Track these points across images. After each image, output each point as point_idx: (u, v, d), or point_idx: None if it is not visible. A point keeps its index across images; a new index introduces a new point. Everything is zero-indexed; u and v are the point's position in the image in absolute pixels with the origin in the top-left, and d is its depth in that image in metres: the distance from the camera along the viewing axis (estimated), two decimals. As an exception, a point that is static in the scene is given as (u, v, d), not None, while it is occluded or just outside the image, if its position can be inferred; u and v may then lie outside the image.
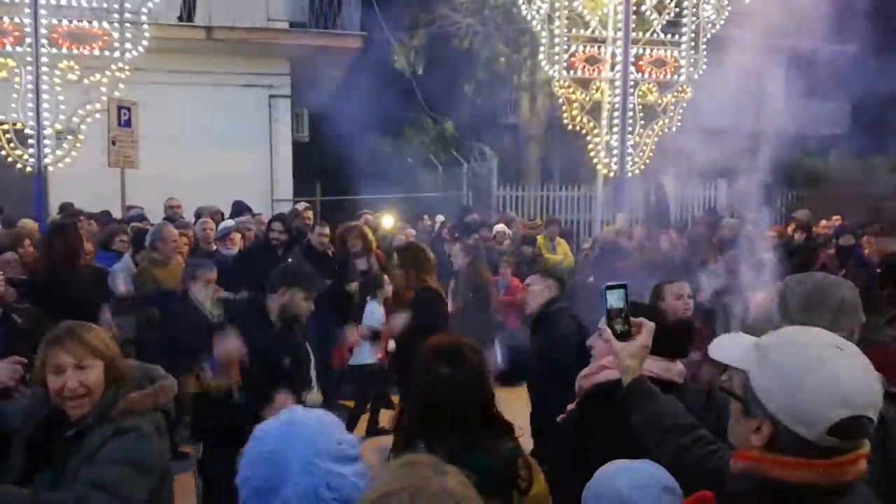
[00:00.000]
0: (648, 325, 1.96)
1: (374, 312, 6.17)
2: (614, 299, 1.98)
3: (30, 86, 9.42)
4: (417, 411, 2.07)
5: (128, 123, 9.64)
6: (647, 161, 11.78)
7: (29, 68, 9.41)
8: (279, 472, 1.37)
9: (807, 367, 1.30)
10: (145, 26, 10.01)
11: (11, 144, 9.54)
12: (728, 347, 1.50)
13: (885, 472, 1.73)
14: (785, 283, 2.04)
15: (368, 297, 6.28)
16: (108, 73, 9.76)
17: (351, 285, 6.75)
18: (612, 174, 11.56)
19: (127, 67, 9.83)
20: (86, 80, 9.72)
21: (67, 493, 1.93)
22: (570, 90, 11.37)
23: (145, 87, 10.58)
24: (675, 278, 4.12)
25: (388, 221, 8.85)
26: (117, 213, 9.41)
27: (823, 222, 9.34)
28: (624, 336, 1.95)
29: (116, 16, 9.85)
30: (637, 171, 11.90)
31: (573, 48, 11.32)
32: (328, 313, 5.89)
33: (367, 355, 6.19)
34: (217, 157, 12.04)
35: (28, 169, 9.57)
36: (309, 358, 3.70)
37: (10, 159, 9.56)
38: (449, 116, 18.86)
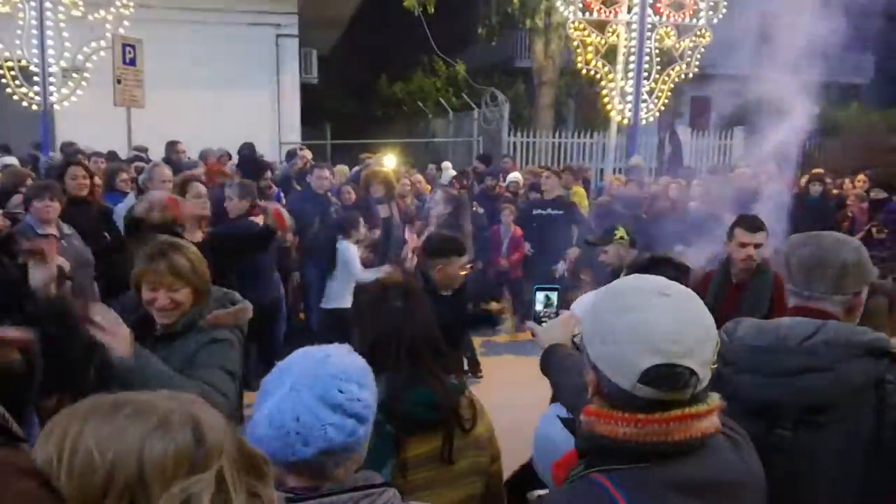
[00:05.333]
0: (568, 314, 2.04)
1: (347, 251, 5.53)
2: (543, 300, 2.05)
3: (34, 21, 9.26)
4: (367, 348, 1.98)
5: (133, 62, 9.49)
6: (663, 108, 11.52)
7: (33, 3, 9.24)
8: (274, 385, 1.37)
9: (617, 313, 1.26)
10: (150, -39, 9.79)
11: (17, 82, 9.44)
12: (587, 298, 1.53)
13: (875, 448, 1.64)
14: (789, 244, 1.95)
15: (340, 237, 5.61)
16: (112, 9, 9.58)
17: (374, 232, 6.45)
18: (626, 121, 11.32)
19: (131, 4, 9.64)
20: (90, 17, 9.55)
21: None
22: (586, 33, 11.05)
23: (150, 24, 10.37)
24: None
25: (389, 162, 8.51)
26: (124, 153, 9.33)
27: (861, 176, 9.12)
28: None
29: (120, -51, 9.61)
30: (651, 119, 11.65)
31: (589, -12, 10.97)
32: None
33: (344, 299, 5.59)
34: (223, 96, 11.89)
35: (34, 107, 9.49)
36: None
37: (15, 97, 9.47)
38: (461, 59, 18.47)
